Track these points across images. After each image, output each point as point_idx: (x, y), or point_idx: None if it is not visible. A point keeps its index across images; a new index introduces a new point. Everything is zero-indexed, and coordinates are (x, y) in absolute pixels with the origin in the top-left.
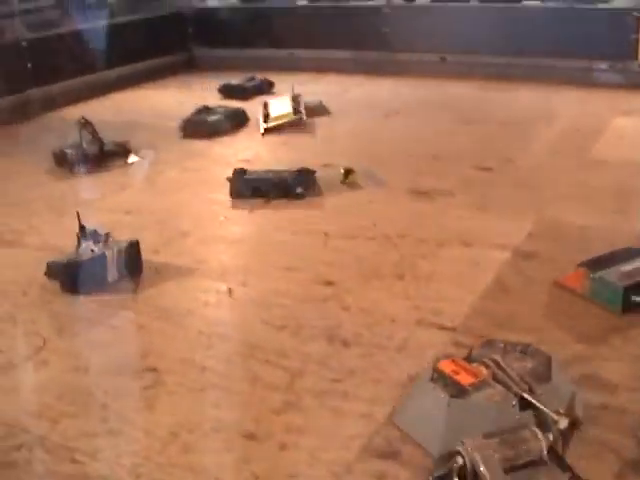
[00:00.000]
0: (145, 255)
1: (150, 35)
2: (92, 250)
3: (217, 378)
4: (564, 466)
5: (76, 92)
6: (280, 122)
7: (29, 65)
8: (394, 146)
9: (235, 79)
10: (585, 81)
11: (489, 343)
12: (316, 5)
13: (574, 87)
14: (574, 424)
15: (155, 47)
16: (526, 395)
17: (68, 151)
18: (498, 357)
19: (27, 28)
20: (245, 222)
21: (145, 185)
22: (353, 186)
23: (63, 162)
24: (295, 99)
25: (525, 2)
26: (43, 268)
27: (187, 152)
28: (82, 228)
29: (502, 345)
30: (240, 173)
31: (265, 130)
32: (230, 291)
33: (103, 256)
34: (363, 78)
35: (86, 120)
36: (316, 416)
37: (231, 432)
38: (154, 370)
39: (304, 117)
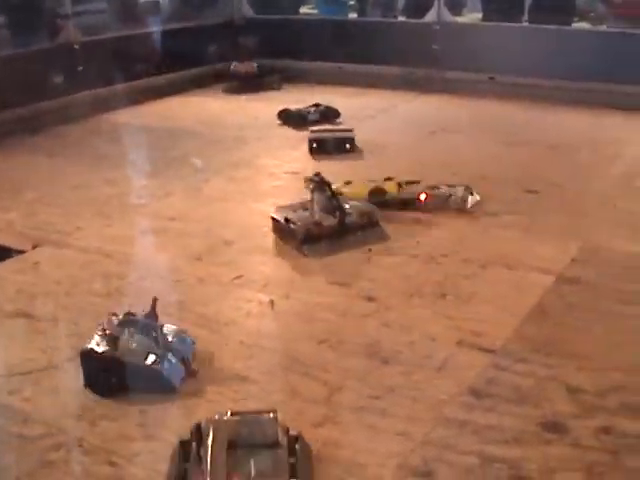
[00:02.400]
0: (188, 262)
1: (200, 43)
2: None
3: (257, 389)
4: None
5: (125, 96)
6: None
7: (80, 68)
8: (439, 164)
9: (295, 104)
10: (634, 106)
11: None
12: (367, 20)
13: (622, 112)
14: None
15: (205, 55)
16: None
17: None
18: None
19: (80, 31)
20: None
21: (191, 192)
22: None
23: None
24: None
25: (576, 25)
26: (87, 269)
27: (234, 161)
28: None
29: None
30: None
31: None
32: (272, 303)
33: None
34: (411, 95)
35: (322, 178)
36: (353, 431)
37: None
38: (195, 378)
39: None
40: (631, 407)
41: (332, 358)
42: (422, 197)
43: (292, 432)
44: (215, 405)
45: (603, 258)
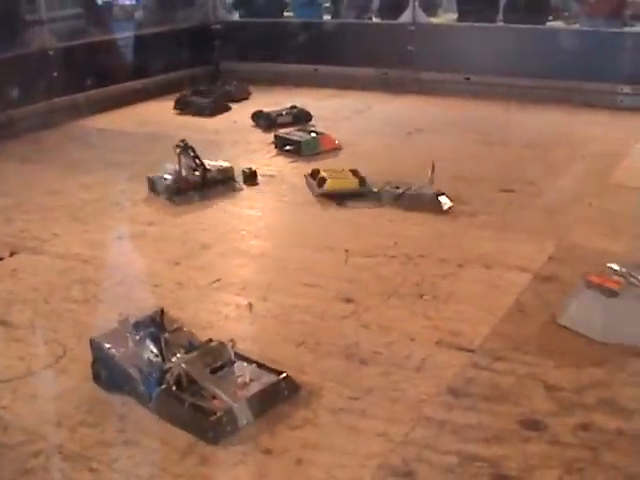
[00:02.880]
0: (166, 267)
1: (176, 47)
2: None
3: None
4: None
5: (101, 102)
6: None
7: (55, 74)
8: (415, 164)
9: (272, 106)
10: (608, 105)
11: None
12: (342, 22)
13: (597, 110)
14: None
15: (181, 59)
16: None
17: (166, 177)
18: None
19: (54, 37)
20: (266, 237)
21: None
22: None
23: (155, 190)
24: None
25: (550, 24)
26: (64, 276)
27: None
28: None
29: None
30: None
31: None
32: (250, 306)
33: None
34: (387, 96)
35: (186, 144)
36: (333, 433)
37: (248, 446)
38: None
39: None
40: (609, 403)
41: (310, 360)
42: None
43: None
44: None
45: (579, 256)
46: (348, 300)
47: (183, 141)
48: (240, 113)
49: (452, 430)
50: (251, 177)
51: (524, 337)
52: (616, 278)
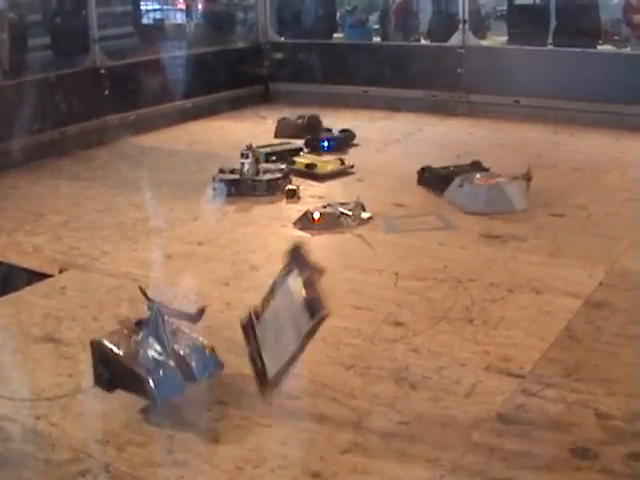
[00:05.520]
0: (215, 287)
1: (227, 67)
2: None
3: (284, 414)
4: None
5: (152, 120)
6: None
7: (106, 92)
8: None
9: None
10: None
11: None
12: (392, 44)
13: None
14: None
15: (232, 79)
16: None
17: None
18: None
19: (106, 55)
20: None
21: (217, 217)
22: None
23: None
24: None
25: (600, 48)
26: (113, 294)
27: None
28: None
29: None
30: None
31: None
32: None
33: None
34: (436, 118)
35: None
36: (382, 458)
37: (296, 470)
38: (222, 403)
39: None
40: None
41: (360, 384)
42: (316, 216)
43: None
44: (241, 430)
45: (631, 282)
46: (398, 324)
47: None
48: None
49: (502, 457)
50: (291, 194)
51: (575, 364)
52: None
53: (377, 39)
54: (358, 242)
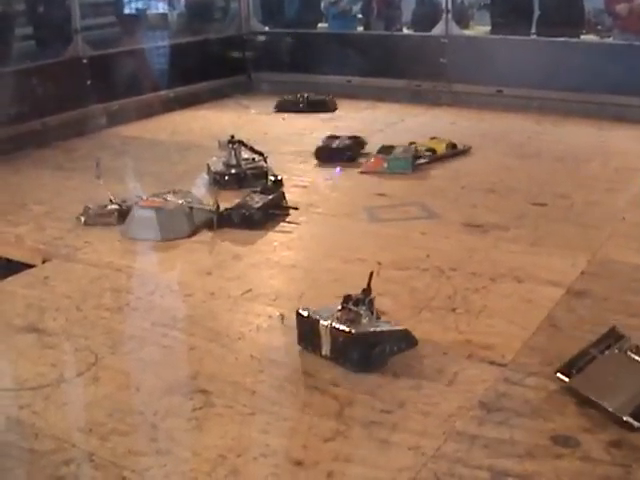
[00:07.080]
0: (197, 276)
1: (210, 56)
2: None
3: (267, 403)
4: None
5: (134, 110)
6: None
7: (89, 82)
8: (447, 178)
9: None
10: None
11: None
12: (375, 33)
13: (630, 124)
14: None
15: (213, 69)
16: None
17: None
18: None
19: (88, 45)
20: (298, 248)
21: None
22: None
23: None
24: None
25: (584, 38)
26: (97, 284)
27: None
28: None
29: None
30: None
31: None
32: (282, 317)
33: None
34: (419, 108)
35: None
36: (364, 446)
37: (279, 458)
38: (204, 392)
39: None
40: None
41: (343, 372)
42: None
43: None
44: (224, 419)
45: (612, 271)
46: (380, 312)
47: (233, 137)
48: (269, 123)
49: (484, 445)
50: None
51: (556, 352)
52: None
53: (360, 29)
54: (338, 230)
